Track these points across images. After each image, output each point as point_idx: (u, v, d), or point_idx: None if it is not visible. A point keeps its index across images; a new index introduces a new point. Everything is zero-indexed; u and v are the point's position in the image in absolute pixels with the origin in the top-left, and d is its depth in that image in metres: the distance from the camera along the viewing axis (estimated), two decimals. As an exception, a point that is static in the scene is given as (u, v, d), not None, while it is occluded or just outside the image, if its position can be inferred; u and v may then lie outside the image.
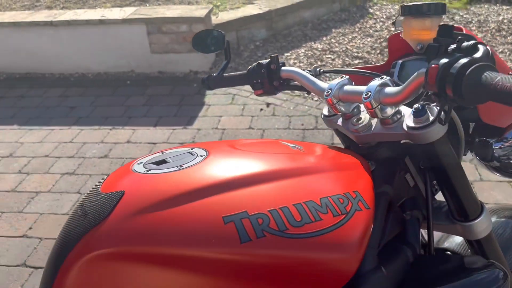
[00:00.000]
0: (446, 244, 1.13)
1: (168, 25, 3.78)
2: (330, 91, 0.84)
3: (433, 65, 0.63)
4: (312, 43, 4.27)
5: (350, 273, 0.63)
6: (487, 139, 0.92)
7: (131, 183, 0.63)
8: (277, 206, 0.60)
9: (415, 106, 0.76)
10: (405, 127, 0.76)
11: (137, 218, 0.58)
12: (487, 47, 0.68)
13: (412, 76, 0.71)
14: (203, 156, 0.69)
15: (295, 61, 3.94)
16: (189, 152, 0.71)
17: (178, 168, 0.65)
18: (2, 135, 3.21)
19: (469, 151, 1.00)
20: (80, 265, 0.57)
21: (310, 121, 3.02)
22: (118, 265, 0.57)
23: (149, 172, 0.65)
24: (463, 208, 0.85)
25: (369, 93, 0.76)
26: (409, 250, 0.80)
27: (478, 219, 0.86)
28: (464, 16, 4.68)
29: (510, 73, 0.62)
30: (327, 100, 0.85)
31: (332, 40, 4.30)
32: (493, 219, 1.21)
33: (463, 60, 0.60)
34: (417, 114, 0.75)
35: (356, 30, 4.50)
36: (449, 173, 0.81)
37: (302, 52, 4.10)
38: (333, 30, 4.52)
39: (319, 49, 4.13)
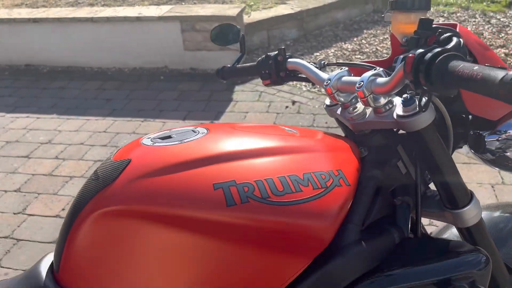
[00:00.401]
0: (445, 236, 1.17)
1: (201, 23, 3.91)
2: (329, 81, 0.91)
3: (410, 55, 0.69)
4: (343, 43, 4.29)
5: (326, 242, 0.70)
6: (480, 132, 0.95)
7: (138, 153, 0.72)
8: (262, 177, 0.68)
9: (404, 96, 0.82)
10: (395, 116, 0.82)
11: (139, 181, 0.67)
12: (460, 39, 0.73)
13: (398, 66, 0.77)
14: (204, 134, 0.77)
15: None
16: (192, 130, 0.79)
17: (179, 142, 0.74)
18: (43, 123, 3.42)
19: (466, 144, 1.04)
20: (89, 221, 0.67)
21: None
22: (122, 221, 0.66)
23: (155, 144, 0.74)
24: (452, 196, 0.89)
25: (362, 83, 0.83)
26: (396, 232, 0.85)
27: (467, 207, 0.89)
28: (502, 19, 4.58)
29: (487, 64, 0.66)
30: (326, 90, 0.92)
31: (363, 41, 4.31)
32: (497, 213, 1.23)
33: (435, 50, 0.66)
34: (405, 104, 0.80)
35: (388, 31, 4.49)
36: (437, 161, 0.86)
37: (331, 52, 4.14)
38: (365, 31, 4.53)
39: (349, 50, 4.15)
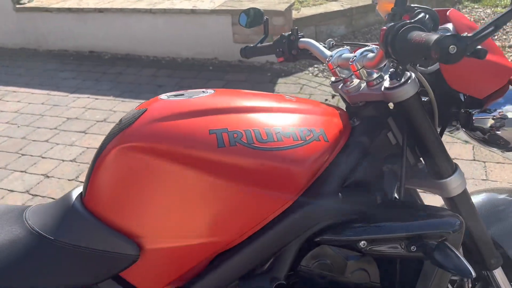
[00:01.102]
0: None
1: (251, 17, 4.06)
2: (331, 57, 1.03)
3: (383, 28, 0.79)
4: (390, 41, 4.29)
5: (301, 187, 0.82)
6: (470, 110, 1.02)
7: (154, 104, 0.88)
8: (250, 128, 0.82)
9: (391, 70, 0.92)
10: (382, 88, 0.92)
11: (151, 124, 0.82)
12: (426, 14, 0.82)
13: None
14: (210, 93, 0.92)
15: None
16: (202, 91, 0.94)
17: (188, 98, 0.89)
18: (100, 103, 3.74)
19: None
20: (111, 154, 0.83)
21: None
22: (137, 155, 0.81)
23: (169, 99, 0.90)
24: (436, 166, 0.97)
25: (355, 58, 0.94)
26: (379, 194, 0.95)
27: (451, 177, 0.97)
28: None
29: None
30: (328, 65, 1.04)
31: (412, 40, 4.29)
32: (502, 196, 1.28)
33: (400, 23, 0.76)
34: (391, 77, 0.91)
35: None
36: (421, 131, 0.95)
37: (378, 49, 4.16)
38: (415, 30, 4.49)
39: (396, 48, 4.15)
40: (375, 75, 0.95)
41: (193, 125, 0.82)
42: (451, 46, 0.65)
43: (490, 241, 1.08)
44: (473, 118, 1.01)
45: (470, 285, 1.14)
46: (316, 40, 1.21)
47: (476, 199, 1.22)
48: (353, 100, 1.03)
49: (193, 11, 4.27)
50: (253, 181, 0.81)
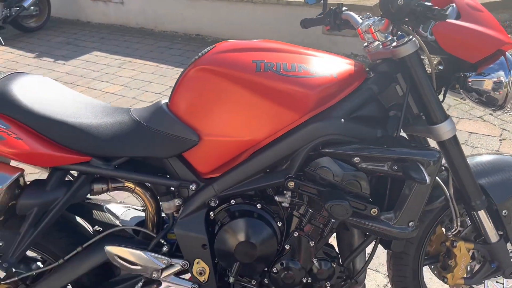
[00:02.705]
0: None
1: (341, 11, 4.34)
2: (360, 25, 1.34)
3: (381, -1, 1.10)
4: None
5: (310, 105, 1.16)
6: (466, 73, 1.26)
7: (220, 43, 1.28)
8: (280, 61, 1.18)
9: (399, 33, 1.22)
10: (391, 47, 1.23)
11: (214, 55, 1.22)
12: None
13: None
14: (260, 40, 1.29)
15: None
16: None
17: (247, 40, 1.28)
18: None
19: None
20: (191, 72, 1.24)
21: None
22: (208, 75, 1.21)
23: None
24: (430, 113, 1.25)
25: (373, 23, 1.25)
26: (380, 130, 1.25)
27: (442, 123, 1.24)
28: None
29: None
30: (357, 31, 1.34)
31: None
32: (499, 156, 1.47)
33: None
34: (398, 38, 1.21)
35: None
36: (418, 82, 1.23)
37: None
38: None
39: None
40: (388, 38, 1.25)
41: (241, 57, 1.20)
42: (400, 1, 0.97)
43: (476, 184, 1.32)
44: (469, 80, 1.25)
45: (459, 223, 1.37)
46: None
47: (475, 157, 1.44)
48: (373, 58, 1.33)
49: (288, 3, 4.66)
50: (278, 98, 1.17)
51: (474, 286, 1.49)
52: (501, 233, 1.39)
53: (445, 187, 1.33)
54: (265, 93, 1.17)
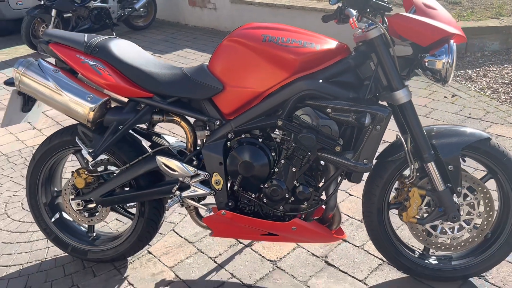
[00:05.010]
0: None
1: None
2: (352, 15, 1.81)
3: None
4: (542, 61, 4.36)
5: (296, 65, 1.68)
6: (423, 54, 1.68)
7: (247, 25, 1.84)
8: (280, 36, 1.71)
9: (369, 22, 1.69)
10: (364, 32, 1.70)
11: (240, 31, 1.79)
12: None
13: None
14: (271, 23, 1.83)
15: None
16: (273, 24, 1.86)
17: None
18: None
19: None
20: (225, 42, 1.81)
21: (477, 113, 3.50)
22: (236, 44, 1.77)
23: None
24: (390, 82, 1.70)
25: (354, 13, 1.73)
26: (353, 93, 1.72)
27: (399, 91, 1.69)
28: None
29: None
30: (349, 21, 1.82)
31: None
32: (452, 127, 1.86)
33: None
34: (368, 26, 1.69)
35: None
36: (382, 59, 1.69)
37: (524, 66, 4.30)
38: None
39: (545, 68, 4.22)
40: (364, 25, 1.72)
41: (256, 32, 1.75)
42: None
43: (426, 140, 1.73)
44: (425, 60, 1.68)
45: (413, 172, 1.77)
46: (465, 51, 1.94)
47: (434, 126, 1.84)
48: (356, 41, 1.80)
49: (323, 10, 5.12)
50: (276, 60, 1.70)
51: (428, 228, 1.87)
52: (450, 185, 1.77)
53: (404, 143, 1.75)
54: (267, 56, 1.71)
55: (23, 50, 6.67)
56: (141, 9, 7.29)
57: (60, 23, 6.42)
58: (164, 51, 6.12)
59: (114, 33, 6.80)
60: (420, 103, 3.78)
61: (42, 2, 6.16)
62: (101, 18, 6.79)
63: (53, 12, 6.19)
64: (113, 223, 2.56)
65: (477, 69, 4.39)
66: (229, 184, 1.91)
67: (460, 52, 4.76)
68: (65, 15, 6.42)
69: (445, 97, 3.86)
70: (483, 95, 3.85)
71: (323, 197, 1.86)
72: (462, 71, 4.38)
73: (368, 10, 1.65)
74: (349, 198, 2.61)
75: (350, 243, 2.25)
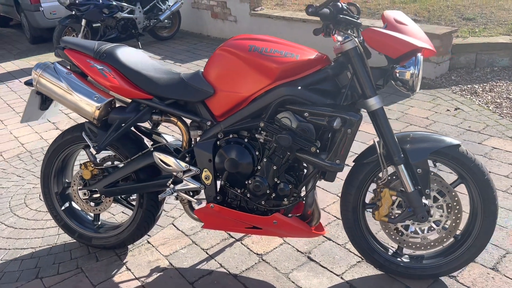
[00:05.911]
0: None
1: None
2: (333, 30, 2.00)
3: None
4: (551, 78, 4.39)
5: (276, 73, 1.86)
6: (394, 65, 1.84)
7: (238, 36, 2.04)
8: (265, 47, 1.91)
9: (345, 35, 1.87)
10: (340, 45, 1.88)
11: (231, 41, 1.99)
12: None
13: None
14: (260, 35, 2.03)
15: (517, 88, 4.27)
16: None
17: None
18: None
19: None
20: (218, 52, 2.02)
21: (477, 126, 3.58)
22: (226, 54, 1.98)
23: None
24: (363, 90, 1.86)
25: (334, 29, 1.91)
26: (330, 99, 1.90)
27: (371, 98, 1.85)
28: None
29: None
30: (332, 36, 2.01)
31: None
32: (426, 133, 1.99)
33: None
34: (344, 39, 1.86)
35: None
36: (355, 67, 1.85)
37: (532, 83, 4.34)
38: None
39: (552, 84, 4.26)
40: (342, 38, 1.89)
41: (243, 42, 1.95)
42: (326, 13, 1.65)
43: (396, 144, 1.88)
44: (396, 71, 1.83)
45: (385, 174, 1.92)
46: (475, 66, 2.06)
47: (407, 133, 1.98)
48: (335, 52, 1.98)
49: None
50: (259, 68, 1.89)
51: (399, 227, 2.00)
52: (419, 187, 1.91)
53: (377, 147, 1.90)
54: (252, 64, 1.90)
55: (54, 56, 7.09)
56: (166, 21, 7.64)
57: (89, 32, 6.82)
58: (185, 61, 6.41)
59: (139, 43, 7.15)
60: (422, 115, 3.88)
61: (73, 13, 6.57)
62: (127, 28, 7.17)
63: (83, 22, 6.59)
64: (119, 216, 2.78)
65: (484, 84, 4.45)
66: (218, 181, 2.09)
67: (469, 67, 4.83)
68: (94, 25, 6.83)
69: (448, 110, 3.96)
70: (485, 109, 3.92)
71: (303, 194, 2.02)
72: (468, 86, 4.46)
73: (342, 25, 1.83)
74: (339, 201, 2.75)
75: (333, 241, 2.39)
